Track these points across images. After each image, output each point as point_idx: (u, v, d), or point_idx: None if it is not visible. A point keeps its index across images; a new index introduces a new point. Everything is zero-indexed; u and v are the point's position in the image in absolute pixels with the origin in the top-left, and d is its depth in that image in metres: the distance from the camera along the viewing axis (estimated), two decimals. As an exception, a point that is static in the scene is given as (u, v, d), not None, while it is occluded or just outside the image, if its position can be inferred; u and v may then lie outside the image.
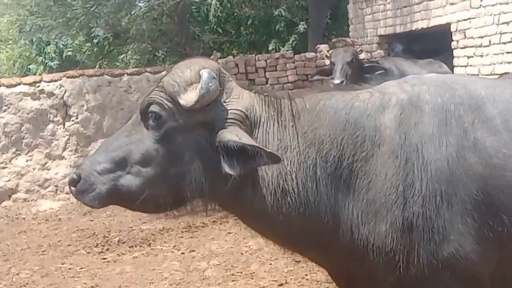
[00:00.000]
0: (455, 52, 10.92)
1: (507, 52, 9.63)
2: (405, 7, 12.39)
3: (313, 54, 14.17)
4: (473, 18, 10.40)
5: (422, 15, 11.80)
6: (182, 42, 15.79)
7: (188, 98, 3.10)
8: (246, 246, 8.90)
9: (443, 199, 3.05)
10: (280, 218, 3.17)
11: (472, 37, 10.47)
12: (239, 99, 3.22)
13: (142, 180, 3.20)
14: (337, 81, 9.99)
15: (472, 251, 3.08)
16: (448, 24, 11.02)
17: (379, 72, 10.05)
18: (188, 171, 3.16)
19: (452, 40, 10.93)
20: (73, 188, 3.27)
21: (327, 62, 13.47)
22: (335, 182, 3.13)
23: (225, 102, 3.19)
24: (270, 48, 19.05)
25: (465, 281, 3.15)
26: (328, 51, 14.27)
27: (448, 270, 3.09)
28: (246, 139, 3.06)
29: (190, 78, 3.15)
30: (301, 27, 18.29)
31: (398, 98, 3.20)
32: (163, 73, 13.47)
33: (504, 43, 9.71)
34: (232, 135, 3.06)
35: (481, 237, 3.09)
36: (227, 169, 3.04)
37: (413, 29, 12.13)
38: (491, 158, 3.11)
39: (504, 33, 9.74)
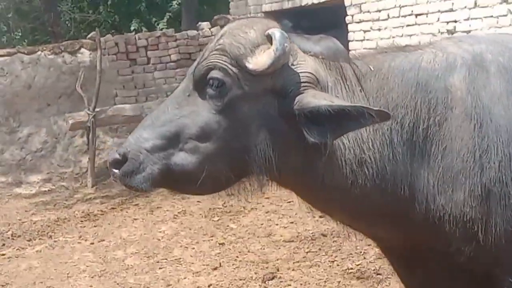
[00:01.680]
0: (350, 27, 10.97)
1: (408, 25, 9.76)
2: (293, -18, 12.27)
3: (195, 32, 13.78)
4: (368, -8, 10.46)
5: (313, -10, 11.72)
6: (51, 20, 14.63)
7: (260, 61, 2.77)
8: (160, 232, 8.50)
9: None
10: (355, 192, 2.91)
11: (368, 11, 10.53)
12: (305, 62, 2.90)
13: (201, 157, 2.82)
14: None
15: None
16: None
17: None
18: (255, 144, 2.83)
19: (347, 15, 10.93)
20: (116, 171, 2.83)
21: (211, 39, 13.36)
22: (411, 150, 2.91)
23: (293, 65, 2.86)
24: (132, 28, 18.34)
25: None
26: (210, 29, 14.00)
27: None
28: (340, 101, 2.77)
29: (256, 39, 2.83)
30: (175, 3, 17.73)
31: (462, 58, 3.01)
32: (39, 53, 12.53)
33: (404, 16, 9.84)
34: (319, 99, 2.75)
35: None
36: (317, 137, 2.73)
37: (303, 4, 12.03)
38: None
39: (403, 6, 9.85)
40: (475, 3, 8.75)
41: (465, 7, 8.89)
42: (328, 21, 11.14)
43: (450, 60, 3.01)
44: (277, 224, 8.37)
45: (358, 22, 10.82)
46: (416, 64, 2.99)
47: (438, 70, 2.98)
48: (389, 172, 2.90)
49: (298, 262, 6.98)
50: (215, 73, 2.81)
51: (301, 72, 2.84)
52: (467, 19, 8.86)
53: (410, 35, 9.71)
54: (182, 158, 2.82)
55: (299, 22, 12.39)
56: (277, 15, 13.12)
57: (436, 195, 2.92)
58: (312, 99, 2.77)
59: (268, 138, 2.83)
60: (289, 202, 8.81)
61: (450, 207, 2.91)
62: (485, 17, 8.60)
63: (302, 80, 2.83)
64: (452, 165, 2.90)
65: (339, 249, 7.24)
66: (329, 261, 6.94)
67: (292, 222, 8.36)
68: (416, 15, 9.65)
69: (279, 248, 7.51)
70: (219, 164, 2.84)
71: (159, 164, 2.80)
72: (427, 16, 9.50)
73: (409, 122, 2.89)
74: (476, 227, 2.91)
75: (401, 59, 3.02)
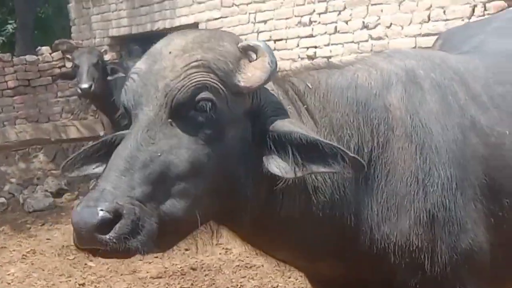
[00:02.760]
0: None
1: (267, 51, 9.62)
2: (142, 6, 11.79)
3: (35, 57, 12.83)
4: (226, 17, 10.24)
5: (164, 15, 11.32)
6: None
7: (253, 77, 2.44)
8: (9, 274, 7.64)
9: (457, 185, 2.79)
10: (307, 222, 2.65)
11: (225, 37, 10.29)
12: None
13: (190, 201, 2.36)
14: (84, 85, 9.38)
15: (484, 240, 2.88)
16: (197, 24, 10.73)
17: (120, 75, 9.55)
18: (239, 176, 2.48)
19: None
20: (104, 237, 2.19)
21: (52, 65, 12.66)
22: (354, 177, 2.67)
23: None
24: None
25: (477, 274, 2.91)
26: (50, 54, 13.11)
27: (465, 263, 2.83)
28: (315, 134, 2.48)
29: (235, 52, 2.50)
30: (10, 27, 16.56)
31: (396, 74, 2.88)
32: None
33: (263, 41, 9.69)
34: (294, 125, 2.47)
35: (487, 224, 2.90)
36: (281, 170, 2.42)
37: (154, 29, 11.59)
38: (488, 137, 2.94)
39: (261, 31, 9.74)
40: (336, 29, 8.80)
41: (325, 32, 8.92)
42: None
43: (385, 77, 2.86)
44: (140, 260, 7.75)
45: (214, 48, 10.54)
46: (353, 81, 2.80)
47: (375, 88, 2.82)
48: (338, 199, 2.66)
49: (171, 299, 6.49)
50: (205, 94, 2.38)
51: (271, 90, 2.56)
52: (328, 45, 8.89)
53: (270, 60, 9.59)
54: (171, 205, 2.31)
55: (151, 46, 11.94)
56: (125, 40, 12.61)
57: (380, 224, 2.73)
58: (287, 123, 2.48)
59: (247, 168, 2.47)
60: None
61: (395, 236, 2.73)
62: (346, 42, 8.67)
63: (274, 100, 2.54)
64: (396, 191, 2.74)
65: (213, 283, 6.84)
66: (203, 296, 6.52)
67: (156, 257, 7.79)
68: (275, 41, 9.57)
69: (147, 285, 6.96)
70: (210, 205, 2.42)
71: (154, 216, 2.26)
72: (286, 42, 9.45)
73: (354, 145, 2.69)
74: (422, 257, 2.74)
75: (337, 77, 2.82)
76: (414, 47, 7.73)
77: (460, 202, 2.78)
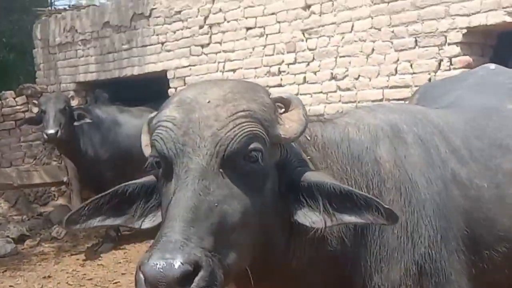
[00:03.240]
0: (174, 100, 10.65)
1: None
2: (110, 53, 11.78)
3: (-2, 101, 12.69)
4: (194, 65, 10.31)
5: (133, 62, 11.34)
6: None
7: (290, 128, 2.51)
8: None
9: (442, 237, 2.87)
10: (312, 273, 2.69)
11: (193, 84, 10.33)
12: None
13: (243, 252, 2.37)
14: (51, 131, 9.27)
15: None
16: (165, 71, 10.76)
17: (87, 120, 9.51)
18: (274, 228, 2.52)
19: (169, 87, 10.66)
20: None
21: (16, 109, 12.52)
22: (355, 227, 2.73)
23: None
24: None
25: None
26: (14, 98, 12.98)
27: None
28: (346, 186, 2.52)
29: (272, 104, 2.54)
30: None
31: (382, 129, 2.98)
32: None
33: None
34: (323, 176, 2.52)
35: (469, 275, 2.97)
36: (309, 220, 2.47)
37: (121, 75, 11.58)
38: (468, 190, 3.04)
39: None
40: (304, 79, 8.93)
41: (294, 82, 9.04)
42: (151, 92, 10.83)
43: (372, 131, 2.94)
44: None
45: (182, 95, 10.56)
46: (345, 135, 2.88)
47: (365, 142, 2.89)
48: (340, 250, 2.69)
49: None
50: (257, 145, 2.39)
51: (295, 145, 2.61)
52: (297, 95, 8.96)
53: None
54: (230, 256, 2.29)
55: (118, 93, 11.95)
56: (91, 86, 12.58)
57: (373, 275, 2.78)
58: (316, 174, 2.56)
59: (279, 220, 2.52)
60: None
61: (386, 287, 2.78)
62: (314, 92, 8.79)
63: (297, 151, 2.58)
64: (387, 242, 2.79)
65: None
66: None
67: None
68: (244, 90, 9.63)
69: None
70: (251, 253, 2.42)
71: (220, 267, 2.22)
72: (255, 91, 9.51)
73: None
74: None
75: (330, 130, 2.88)
76: (382, 99, 7.90)
77: (445, 254, 2.86)
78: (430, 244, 2.82)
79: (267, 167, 2.45)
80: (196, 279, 2.12)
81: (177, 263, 2.10)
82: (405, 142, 2.97)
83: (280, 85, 9.21)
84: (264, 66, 9.39)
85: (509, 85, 3.78)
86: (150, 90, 11.09)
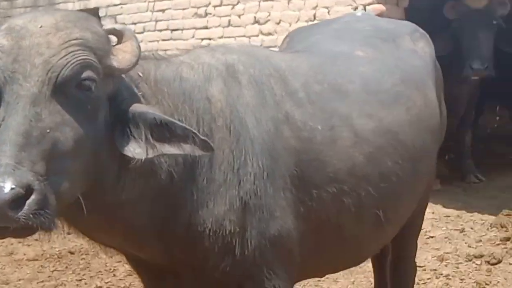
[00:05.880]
0: (106, 38, 10.62)
1: (163, 40, 9.71)
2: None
3: None
4: (125, 4, 10.25)
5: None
6: None
7: (124, 58, 2.55)
8: None
9: (268, 175, 2.96)
10: (141, 205, 2.77)
11: (124, 23, 10.29)
12: None
13: (74, 179, 2.40)
14: None
15: (293, 227, 3.05)
16: (97, 8, 10.68)
17: None
18: (104, 158, 2.56)
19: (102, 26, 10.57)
20: (19, 213, 2.14)
21: None
22: (184, 161, 2.80)
23: None
24: None
25: (285, 259, 3.09)
26: None
27: (274, 248, 3.00)
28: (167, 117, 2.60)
29: (105, 35, 2.58)
30: None
31: (217, 68, 3.04)
32: None
33: (160, 30, 9.78)
34: (148, 108, 2.59)
35: (297, 212, 3.07)
36: (132, 150, 2.52)
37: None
38: (301, 131, 3.11)
39: (159, 20, 9.79)
40: (229, 22, 8.96)
41: (220, 25, 9.07)
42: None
43: (206, 70, 3.00)
44: (20, 242, 7.70)
45: (112, 34, 10.52)
46: (178, 73, 2.92)
47: (198, 81, 2.95)
48: (169, 183, 2.77)
49: (42, 281, 6.48)
50: (90, 73, 2.41)
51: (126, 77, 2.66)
52: (221, 37, 9.04)
53: (166, 50, 9.65)
54: (61, 182, 2.32)
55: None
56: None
57: (198, 209, 2.85)
58: (142, 105, 2.61)
59: (108, 150, 2.56)
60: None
61: (210, 222, 2.86)
62: (238, 36, 8.84)
63: (126, 84, 2.64)
64: (214, 178, 2.87)
65: (88, 267, 6.86)
66: (76, 279, 6.54)
67: (37, 240, 7.71)
68: (172, 30, 9.66)
69: (22, 267, 6.91)
70: (83, 183, 2.46)
71: (52, 193, 2.25)
72: (182, 32, 9.55)
73: None
74: (233, 242, 2.89)
75: (164, 67, 2.92)
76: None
77: (270, 191, 2.95)
78: (256, 181, 2.91)
79: (100, 97, 2.48)
80: (28, 202, 2.13)
81: (7, 186, 2.09)
82: (239, 83, 3.03)
83: (206, 27, 9.23)
84: (192, 7, 9.38)
85: (366, 32, 3.87)
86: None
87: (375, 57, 3.67)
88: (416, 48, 3.98)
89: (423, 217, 4.52)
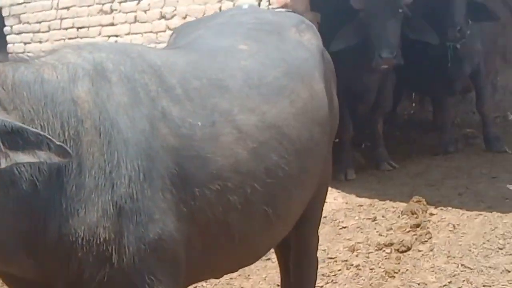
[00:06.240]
0: (10, 38, 10.28)
1: (69, 38, 9.42)
2: None
3: None
4: (29, 2, 9.89)
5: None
6: None
7: None
8: None
9: (145, 176, 2.82)
10: (1, 219, 2.59)
11: (28, 22, 9.97)
12: None
13: None
14: None
15: (175, 229, 2.91)
16: (0, 8, 10.28)
17: None
18: None
19: (5, 25, 10.22)
20: None
21: None
22: (49, 168, 2.64)
23: None
24: None
25: (168, 263, 2.94)
26: None
27: (155, 253, 2.85)
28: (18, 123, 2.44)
29: None
30: None
31: (83, 68, 2.87)
32: None
33: (66, 28, 9.49)
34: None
35: (179, 213, 2.94)
36: None
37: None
38: (179, 128, 2.99)
39: (64, 18, 9.50)
40: (135, 18, 8.75)
41: (126, 21, 8.84)
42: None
43: (71, 70, 2.84)
44: None
45: (17, 34, 10.17)
46: (39, 76, 2.76)
47: (62, 82, 2.79)
48: (32, 193, 2.61)
49: None
50: None
51: None
52: (128, 34, 8.82)
53: (72, 48, 9.38)
54: None
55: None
56: None
57: (69, 218, 2.68)
58: None
59: None
60: None
61: (83, 231, 2.69)
62: (145, 32, 8.64)
63: None
64: (84, 184, 2.71)
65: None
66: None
67: None
68: (78, 28, 9.37)
69: None
70: None
71: None
72: (88, 30, 9.27)
73: None
74: (110, 249, 2.73)
75: (23, 70, 2.75)
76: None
77: (148, 193, 2.80)
78: (131, 184, 2.77)
79: None
80: None
81: None
82: (108, 81, 2.88)
83: (112, 24, 8.99)
84: (97, 4, 9.10)
85: (249, 25, 3.77)
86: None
87: (258, 50, 3.57)
88: (302, 40, 3.89)
89: (322, 210, 4.47)
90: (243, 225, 3.25)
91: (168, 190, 2.89)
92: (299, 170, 3.49)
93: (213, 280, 5.70)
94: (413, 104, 13.80)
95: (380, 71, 8.50)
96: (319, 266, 6.05)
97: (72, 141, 2.69)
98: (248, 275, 6.06)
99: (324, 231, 6.90)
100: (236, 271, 3.94)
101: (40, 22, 9.81)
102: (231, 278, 5.95)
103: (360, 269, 5.95)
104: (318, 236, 4.58)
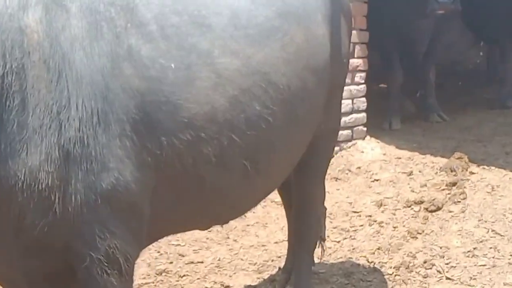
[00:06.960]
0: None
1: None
2: None
3: None
4: None
5: None
6: None
7: None
8: None
9: (100, 120, 2.58)
10: None
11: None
12: None
13: None
14: None
15: (133, 180, 2.68)
16: None
17: None
18: None
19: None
20: None
21: None
22: None
23: None
24: None
25: (124, 215, 2.72)
26: None
27: (107, 204, 2.63)
28: None
29: None
30: None
31: None
32: None
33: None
34: None
35: (140, 163, 2.70)
36: None
37: None
38: (148, 69, 2.71)
39: None
40: None
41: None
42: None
43: None
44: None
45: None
46: None
47: (10, 8, 2.53)
48: None
49: None
50: None
51: None
52: None
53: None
54: None
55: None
56: None
57: (8, 159, 2.48)
58: None
59: None
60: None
61: (23, 174, 2.49)
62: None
63: None
64: (27, 123, 2.49)
65: None
66: None
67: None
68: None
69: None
70: None
71: None
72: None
73: None
74: (53, 197, 2.52)
75: None
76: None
77: (102, 139, 2.57)
78: (82, 127, 2.53)
79: None
80: None
81: None
82: (66, 12, 2.61)
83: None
84: None
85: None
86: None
87: (251, -15, 3.21)
88: (305, -24, 3.48)
89: (327, 160, 4.17)
90: (218, 179, 2.99)
91: (128, 137, 2.64)
92: (287, 121, 3.17)
93: (227, 226, 5.49)
94: (480, 54, 13.08)
95: (435, 17, 7.92)
96: (341, 220, 5.87)
97: (15, 74, 2.47)
98: (266, 223, 5.85)
99: (354, 182, 6.61)
100: (210, 227, 3.69)
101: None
102: (247, 225, 5.76)
103: (382, 226, 5.63)
104: (323, 186, 4.28)
